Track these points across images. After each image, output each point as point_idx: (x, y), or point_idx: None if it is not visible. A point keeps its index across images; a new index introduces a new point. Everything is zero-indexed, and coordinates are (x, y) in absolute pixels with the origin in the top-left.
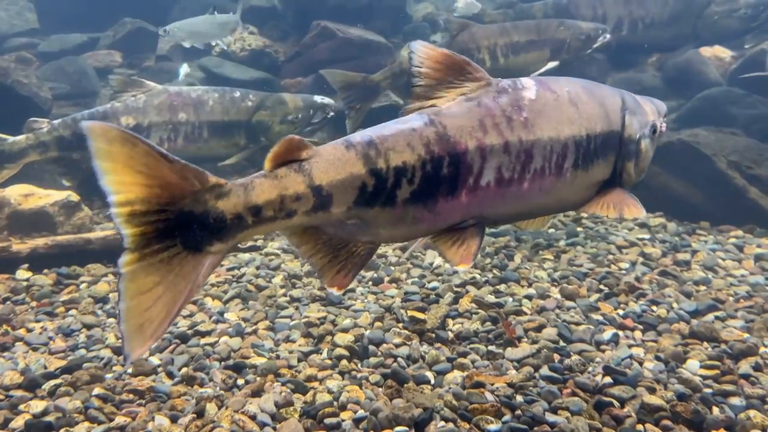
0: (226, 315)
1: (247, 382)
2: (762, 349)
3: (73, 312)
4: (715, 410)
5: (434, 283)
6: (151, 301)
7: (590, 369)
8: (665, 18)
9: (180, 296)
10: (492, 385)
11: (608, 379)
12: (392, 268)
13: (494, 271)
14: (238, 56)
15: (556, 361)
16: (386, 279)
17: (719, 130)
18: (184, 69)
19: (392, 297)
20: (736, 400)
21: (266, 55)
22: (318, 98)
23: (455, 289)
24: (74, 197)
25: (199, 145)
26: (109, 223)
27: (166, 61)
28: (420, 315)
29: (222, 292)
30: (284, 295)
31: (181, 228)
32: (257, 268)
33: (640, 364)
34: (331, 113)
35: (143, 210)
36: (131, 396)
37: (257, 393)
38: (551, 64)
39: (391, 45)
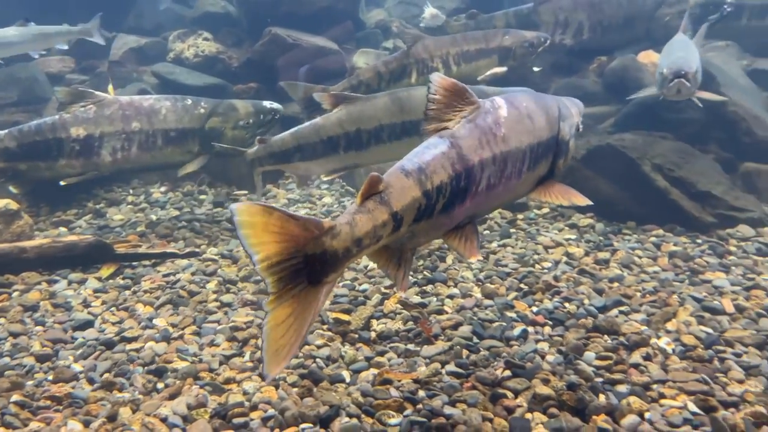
0: (155, 321)
1: (166, 386)
2: (653, 340)
3: (1, 320)
4: (602, 397)
5: (365, 285)
6: (284, 330)
7: (494, 364)
8: (621, 21)
9: (306, 322)
10: (399, 381)
11: (508, 373)
12: None
13: (425, 272)
14: (191, 62)
15: (464, 357)
16: None
17: (650, 134)
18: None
19: None
20: (622, 388)
21: (220, 61)
22: (267, 103)
23: (383, 290)
24: (13, 205)
25: (153, 153)
26: (53, 231)
27: (120, 67)
28: (344, 317)
29: (154, 298)
30: (215, 300)
31: (307, 268)
32: (193, 273)
33: (542, 357)
34: (278, 116)
35: (279, 260)
36: (49, 402)
37: (174, 396)
38: (499, 70)
39: (342, 51)
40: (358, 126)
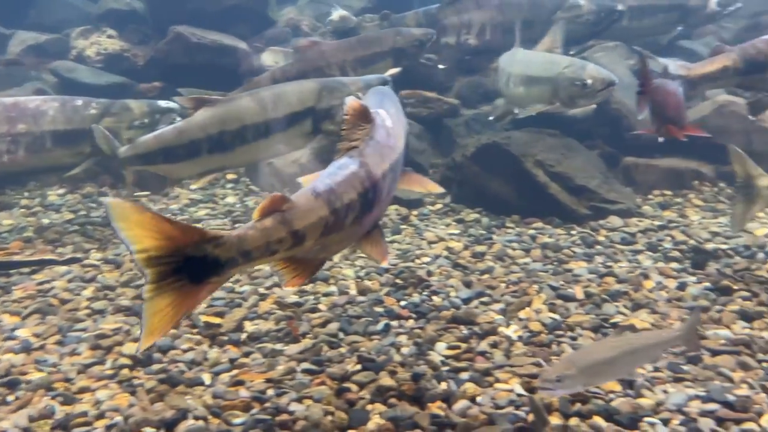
0: (18, 331)
1: (17, 398)
2: (501, 328)
3: None
4: (443, 385)
5: (245, 287)
6: (161, 317)
7: (348, 359)
8: (521, 24)
9: (181, 312)
10: (251, 382)
11: (358, 367)
12: None
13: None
14: (93, 60)
15: (323, 353)
16: None
17: (540, 130)
18: None
19: None
20: (464, 375)
21: (124, 59)
22: (163, 103)
23: (261, 291)
24: None
25: (41, 155)
26: None
27: (16, 65)
28: (216, 319)
29: (23, 307)
30: (87, 308)
31: (188, 267)
32: (70, 281)
33: (398, 349)
34: (176, 116)
35: (158, 255)
36: None
37: (21, 408)
38: (394, 71)
39: (249, 50)
40: (221, 128)
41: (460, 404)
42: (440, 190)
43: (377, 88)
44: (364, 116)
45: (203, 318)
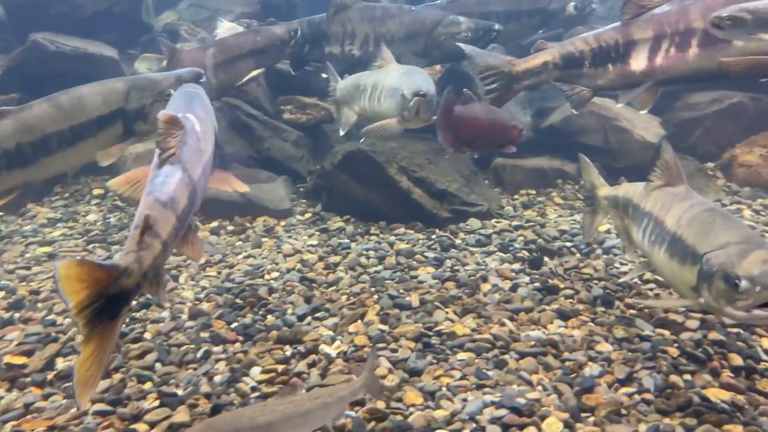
0: None
1: None
2: (322, 346)
3: None
4: None
5: (68, 320)
6: (90, 363)
7: (153, 393)
8: (402, 36)
9: (107, 353)
10: (32, 430)
11: (156, 403)
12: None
13: (146, 296)
14: None
15: (127, 390)
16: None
17: (416, 135)
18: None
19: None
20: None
21: None
22: None
23: None
24: None
25: None
26: None
27: None
28: (21, 359)
29: None
30: None
31: (109, 307)
32: None
33: (211, 378)
34: None
35: (87, 304)
36: None
37: None
38: (256, 73)
39: (118, 58)
40: (18, 140)
41: None
42: (245, 188)
43: (185, 89)
44: (175, 124)
45: (6, 358)
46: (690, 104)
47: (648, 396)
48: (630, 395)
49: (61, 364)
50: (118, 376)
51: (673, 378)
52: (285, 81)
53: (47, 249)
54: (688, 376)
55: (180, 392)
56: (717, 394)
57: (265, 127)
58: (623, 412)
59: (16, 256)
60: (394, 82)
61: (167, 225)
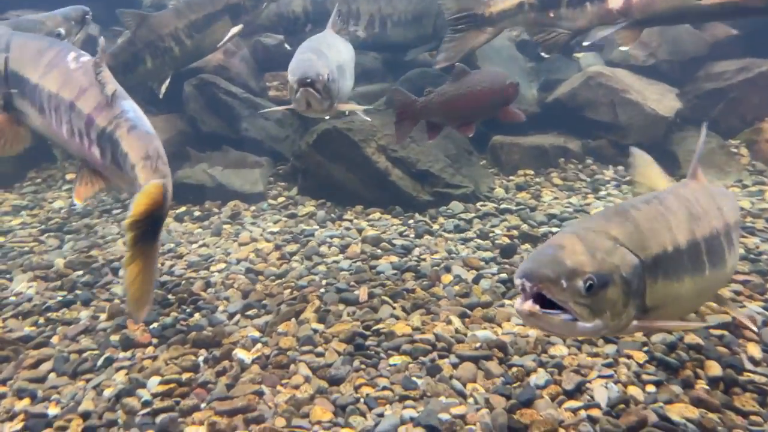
0: None
1: None
2: (237, 350)
3: None
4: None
5: None
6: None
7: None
8: (410, 17)
9: (152, 271)
10: None
11: (18, 427)
12: None
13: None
14: None
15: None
16: None
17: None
18: None
19: None
20: (159, 419)
21: None
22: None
23: None
24: None
25: None
26: None
27: None
28: None
29: None
30: None
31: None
32: None
33: (99, 393)
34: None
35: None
36: None
37: None
38: (236, 30)
39: None
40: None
41: None
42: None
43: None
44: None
45: None
46: (714, 74)
47: (595, 412)
48: (575, 410)
49: None
50: (3, 389)
51: (632, 390)
52: (272, 57)
53: None
54: (651, 388)
55: (54, 411)
56: (683, 412)
57: (244, 105)
58: None
59: None
60: (291, 64)
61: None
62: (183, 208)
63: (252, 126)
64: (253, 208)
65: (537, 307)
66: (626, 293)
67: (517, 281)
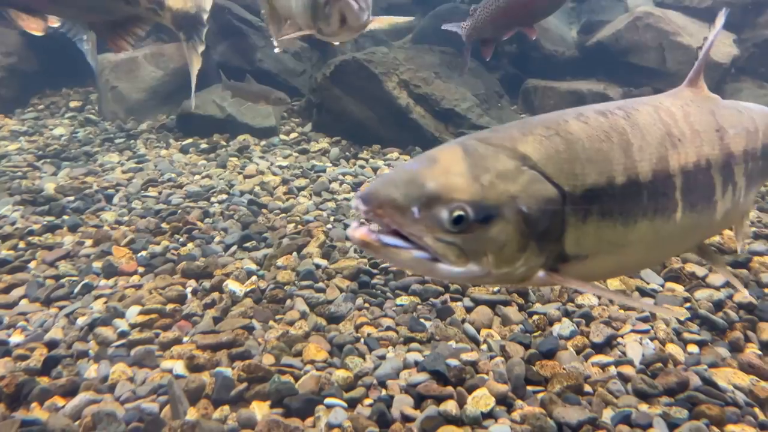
0: None
1: None
2: (228, 281)
3: None
4: (92, 368)
5: None
6: None
7: None
8: None
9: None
10: None
11: None
12: None
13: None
14: None
15: None
16: None
17: (430, 47)
18: None
19: None
20: (135, 351)
21: None
22: None
23: None
24: None
25: None
26: None
27: None
28: None
29: None
30: None
31: None
32: None
33: (73, 321)
34: None
35: None
36: None
37: None
38: None
39: None
40: None
41: (76, 400)
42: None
43: None
44: None
45: None
46: None
47: (628, 370)
48: (603, 366)
49: None
50: None
51: (671, 348)
52: None
53: None
54: (693, 348)
55: (16, 339)
56: (730, 377)
57: (260, 35)
58: (586, 389)
59: None
60: None
61: None
62: (189, 140)
63: (267, 57)
64: (263, 142)
65: (373, 235)
66: (525, 233)
67: (353, 203)
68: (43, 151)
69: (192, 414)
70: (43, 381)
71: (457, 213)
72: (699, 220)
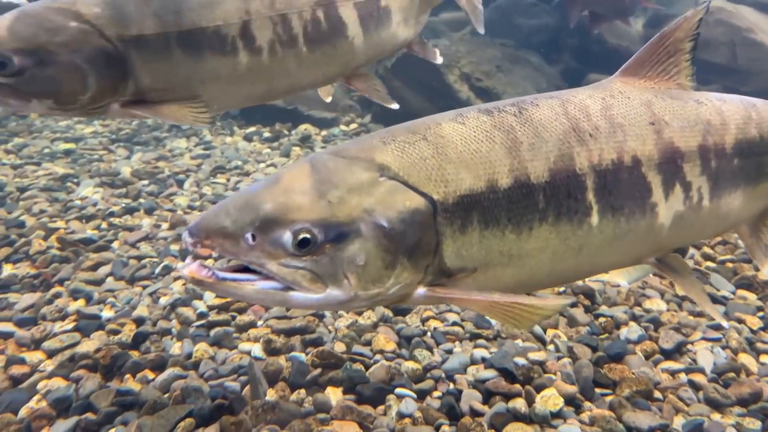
0: None
1: None
2: None
3: None
4: (176, 346)
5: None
6: None
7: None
8: None
9: None
10: None
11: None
12: None
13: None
14: None
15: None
16: None
17: (490, 40)
18: None
19: None
20: (213, 332)
21: None
22: None
23: None
24: None
25: None
26: None
27: None
28: None
29: None
30: None
31: None
32: None
33: (157, 300)
34: None
35: None
36: None
37: None
38: None
39: None
40: None
41: (165, 375)
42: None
43: None
44: None
45: None
46: None
47: (699, 378)
48: (673, 373)
49: (9, 269)
50: (53, 291)
51: (744, 358)
52: None
53: (69, 146)
54: (766, 358)
55: (108, 314)
56: None
57: None
58: (656, 395)
59: (35, 152)
60: None
61: None
62: (252, 128)
63: None
64: (324, 132)
65: (205, 271)
66: (390, 249)
67: (183, 237)
68: (116, 135)
69: (271, 395)
70: (134, 354)
71: (302, 235)
72: (630, 226)
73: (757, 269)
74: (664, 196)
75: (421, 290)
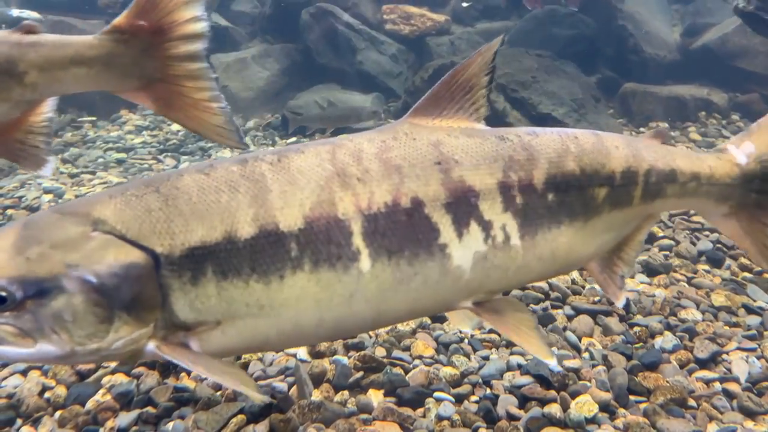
0: None
1: None
2: None
3: None
4: None
5: None
6: None
7: None
8: None
9: None
10: None
11: None
12: None
13: None
14: None
15: None
16: None
17: (526, 51)
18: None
19: None
20: None
21: None
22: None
23: None
24: None
25: None
26: None
27: None
28: None
29: None
30: None
31: None
32: None
33: None
34: None
35: None
36: None
37: None
38: None
39: None
40: None
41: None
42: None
43: None
44: None
45: None
46: None
47: (733, 387)
48: (707, 382)
49: None
50: None
51: None
52: None
53: (121, 155)
54: None
55: None
56: None
57: (361, 38)
58: (690, 403)
59: (90, 161)
60: None
61: None
62: (293, 139)
63: (367, 60)
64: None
65: None
66: (102, 304)
67: None
68: (163, 145)
69: (316, 395)
70: None
71: None
72: (416, 269)
73: None
74: (457, 236)
75: (150, 345)
